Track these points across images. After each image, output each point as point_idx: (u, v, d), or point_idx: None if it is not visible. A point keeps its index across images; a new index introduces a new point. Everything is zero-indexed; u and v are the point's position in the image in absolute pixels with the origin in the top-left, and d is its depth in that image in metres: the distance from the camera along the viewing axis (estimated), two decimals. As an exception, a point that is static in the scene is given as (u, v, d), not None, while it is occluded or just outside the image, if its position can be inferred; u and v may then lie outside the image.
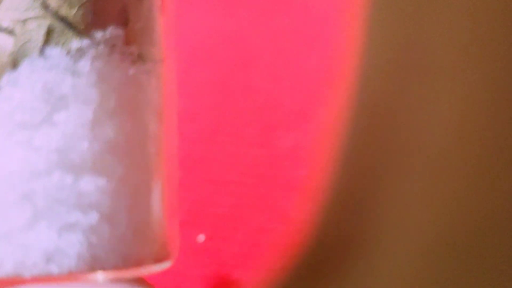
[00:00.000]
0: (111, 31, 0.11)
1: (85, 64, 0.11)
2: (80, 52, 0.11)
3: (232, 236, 0.25)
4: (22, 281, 0.11)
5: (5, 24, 0.11)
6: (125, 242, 0.12)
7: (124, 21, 0.12)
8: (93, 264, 0.11)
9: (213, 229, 0.24)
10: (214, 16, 0.30)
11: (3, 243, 0.11)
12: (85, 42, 0.11)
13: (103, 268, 0.12)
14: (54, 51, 0.11)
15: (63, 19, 0.11)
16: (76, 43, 0.11)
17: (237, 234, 0.25)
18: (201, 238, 0.24)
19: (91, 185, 0.11)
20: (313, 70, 0.32)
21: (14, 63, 0.11)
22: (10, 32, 0.11)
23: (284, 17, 0.32)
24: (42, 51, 0.11)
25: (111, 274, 0.12)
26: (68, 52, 0.11)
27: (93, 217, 0.11)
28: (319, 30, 0.32)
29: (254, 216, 0.25)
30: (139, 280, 0.13)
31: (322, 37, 0.32)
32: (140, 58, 0.12)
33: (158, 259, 0.12)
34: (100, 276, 0.12)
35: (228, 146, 0.27)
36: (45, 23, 0.11)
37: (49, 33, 0.11)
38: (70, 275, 0.11)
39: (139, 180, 0.12)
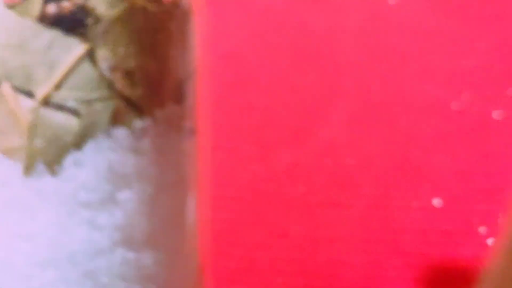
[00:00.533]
0: (170, 109, 0.12)
1: (147, 143, 0.11)
2: (143, 131, 0.11)
3: (231, 252, 0.26)
4: None
5: (70, 103, 0.11)
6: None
7: (180, 98, 0.12)
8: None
9: (211, 246, 0.25)
10: (210, 33, 0.30)
11: (65, 320, 0.11)
12: (147, 121, 0.12)
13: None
14: (119, 132, 0.11)
15: (127, 100, 0.11)
16: (139, 123, 0.11)
17: (235, 250, 0.26)
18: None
19: (150, 259, 0.12)
20: (311, 88, 0.34)
21: (79, 144, 0.11)
22: (74, 112, 0.11)
23: (281, 33, 0.33)
24: (107, 132, 0.11)
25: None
26: (132, 132, 0.11)
27: (151, 290, 0.12)
28: (319, 47, 0.33)
29: (252, 232, 0.26)
30: None
31: (321, 53, 0.34)
32: (191, 132, 0.12)
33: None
34: None
35: (226, 162, 0.28)
36: (111, 104, 0.11)
37: (114, 114, 0.11)
38: None
39: (188, 248, 0.13)
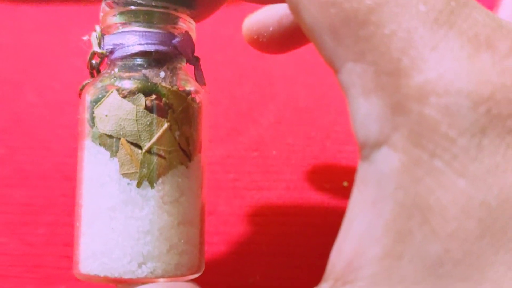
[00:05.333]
0: (198, 156, 0.23)
1: (191, 171, 0.23)
2: (189, 166, 0.23)
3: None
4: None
5: (160, 152, 0.22)
6: (183, 261, 0.23)
7: (200, 150, 0.24)
8: (166, 274, 0.21)
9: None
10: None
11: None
12: (192, 161, 0.23)
13: (171, 276, 0.22)
14: (181, 166, 0.22)
15: (184, 151, 0.22)
16: (188, 163, 0.23)
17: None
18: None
19: (188, 229, 0.23)
20: (245, 95, 0.39)
21: (165, 173, 0.22)
22: (162, 156, 0.22)
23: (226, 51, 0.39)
24: (176, 166, 0.22)
25: (175, 279, 0.23)
26: (186, 167, 0.22)
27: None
28: (254, 62, 0.38)
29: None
30: (189, 281, 0.23)
31: (256, 67, 0.38)
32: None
33: (198, 270, 0.24)
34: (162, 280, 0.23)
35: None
36: (178, 153, 0.22)
37: (179, 158, 0.22)
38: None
39: (193, 228, 0.24)
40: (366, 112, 0.16)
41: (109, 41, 0.23)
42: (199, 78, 0.25)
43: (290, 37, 0.27)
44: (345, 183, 0.34)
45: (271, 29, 0.27)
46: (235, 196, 0.34)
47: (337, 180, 0.34)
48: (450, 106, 0.14)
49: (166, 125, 0.22)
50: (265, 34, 0.27)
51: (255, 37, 0.28)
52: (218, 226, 0.32)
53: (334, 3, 0.16)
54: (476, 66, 0.14)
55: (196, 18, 0.25)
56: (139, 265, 0.21)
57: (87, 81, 0.24)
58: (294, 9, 0.18)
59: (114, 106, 0.21)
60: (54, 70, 0.45)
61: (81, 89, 0.24)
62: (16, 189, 0.35)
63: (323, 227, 0.32)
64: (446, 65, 0.14)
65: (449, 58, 0.14)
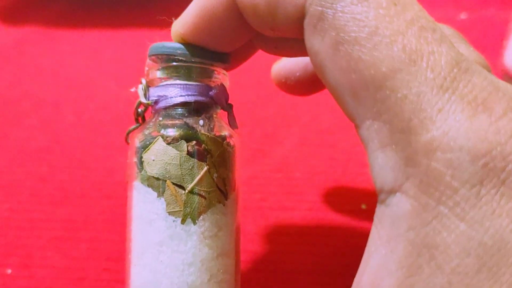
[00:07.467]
0: (232, 194, 0.26)
1: (228, 208, 0.25)
2: (226, 204, 0.25)
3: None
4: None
5: (201, 192, 0.24)
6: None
7: (234, 189, 0.26)
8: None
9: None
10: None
11: None
12: (228, 200, 0.25)
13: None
14: (219, 205, 0.25)
15: (221, 191, 0.25)
16: (225, 201, 0.25)
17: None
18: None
19: (226, 261, 0.25)
20: (270, 118, 0.39)
21: (205, 211, 0.24)
22: (203, 196, 0.24)
23: (249, 76, 0.40)
24: (215, 205, 0.25)
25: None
26: (223, 204, 0.25)
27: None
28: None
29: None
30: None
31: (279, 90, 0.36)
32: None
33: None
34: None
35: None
36: (216, 193, 0.25)
37: (217, 197, 0.25)
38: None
39: (230, 259, 0.26)
40: (382, 163, 0.18)
41: (154, 93, 0.26)
42: (232, 122, 0.28)
43: (314, 81, 0.30)
44: (364, 206, 0.35)
45: (297, 74, 0.30)
46: (260, 215, 0.35)
47: (356, 202, 0.35)
48: (453, 160, 0.16)
49: (205, 168, 0.24)
50: (292, 78, 0.30)
51: (283, 80, 0.30)
52: (245, 244, 0.34)
53: (355, 70, 0.18)
54: (475, 126, 0.16)
55: (229, 69, 0.28)
56: (184, 293, 0.23)
57: (132, 127, 0.27)
58: (320, 71, 0.20)
59: (160, 152, 0.24)
60: (90, 92, 0.47)
61: (128, 134, 0.27)
62: (58, 206, 0.38)
63: (342, 247, 0.33)
64: (449, 125, 0.17)
65: (452, 119, 0.17)
